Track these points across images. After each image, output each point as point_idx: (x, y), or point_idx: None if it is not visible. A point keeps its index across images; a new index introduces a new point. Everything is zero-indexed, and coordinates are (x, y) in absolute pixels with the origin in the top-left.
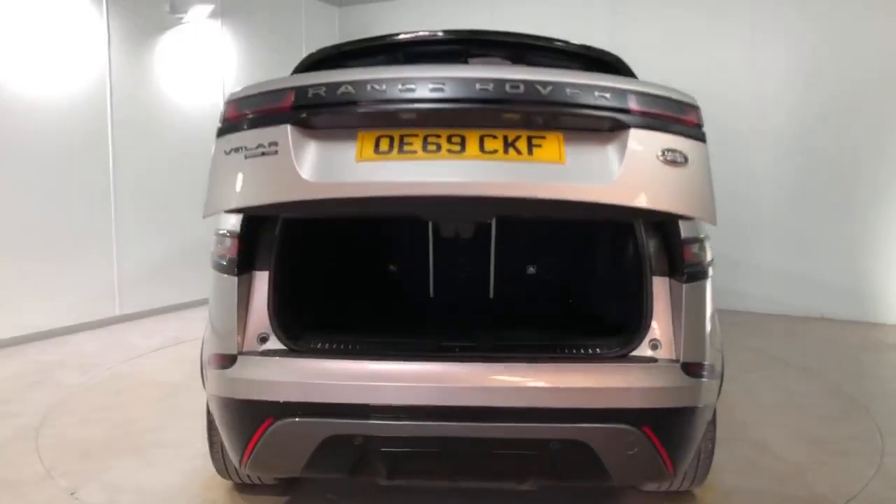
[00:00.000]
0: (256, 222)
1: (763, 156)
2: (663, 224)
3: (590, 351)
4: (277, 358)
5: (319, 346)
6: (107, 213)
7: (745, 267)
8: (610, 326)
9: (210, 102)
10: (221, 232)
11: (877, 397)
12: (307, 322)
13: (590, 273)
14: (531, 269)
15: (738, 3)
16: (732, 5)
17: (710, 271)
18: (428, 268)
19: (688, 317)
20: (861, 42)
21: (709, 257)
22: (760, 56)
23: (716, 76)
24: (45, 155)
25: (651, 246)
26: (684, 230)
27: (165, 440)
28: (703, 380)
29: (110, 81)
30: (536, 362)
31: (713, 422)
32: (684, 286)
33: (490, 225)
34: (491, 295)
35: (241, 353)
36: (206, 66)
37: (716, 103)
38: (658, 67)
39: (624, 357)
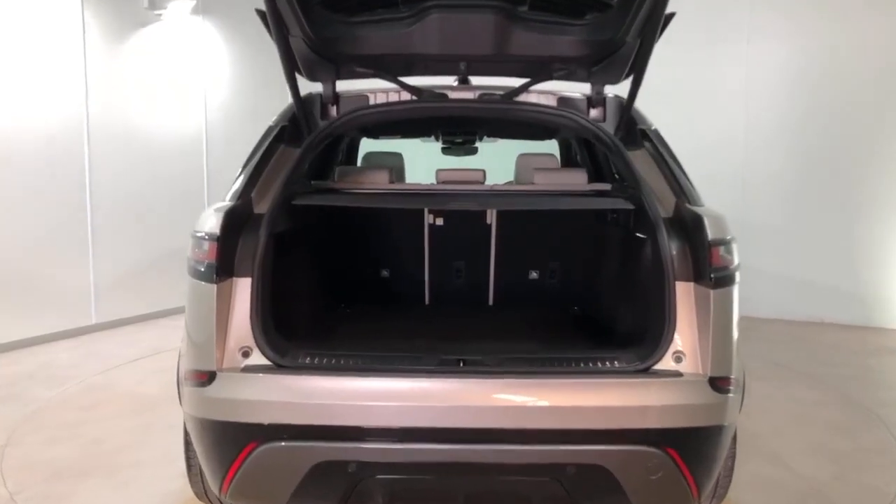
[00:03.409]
0: (238, 223)
1: (761, 158)
2: (686, 223)
3: (607, 365)
4: (261, 374)
5: (308, 361)
6: (83, 218)
7: (745, 270)
8: (624, 337)
9: (191, 103)
10: (199, 234)
11: (888, 405)
12: (294, 334)
13: (599, 278)
14: (533, 275)
15: (736, 3)
16: (730, 4)
17: (738, 276)
18: (423, 273)
19: (716, 326)
20: (860, 42)
21: (736, 261)
22: (757, 57)
23: (712, 77)
24: (17, 158)
25: (673, 247)
26: (711, 230)
27: (141, 459)
28: (731, 395)
29: (86, 81)
30: (549, 378)
31: (734, 437)
32: (712, 293)
33: (489, 226)
34: (490, 301)
35: (220, 369)
36: (187, 64)
37: (712, 105)
38: (652, 66)
39: (645, 371)
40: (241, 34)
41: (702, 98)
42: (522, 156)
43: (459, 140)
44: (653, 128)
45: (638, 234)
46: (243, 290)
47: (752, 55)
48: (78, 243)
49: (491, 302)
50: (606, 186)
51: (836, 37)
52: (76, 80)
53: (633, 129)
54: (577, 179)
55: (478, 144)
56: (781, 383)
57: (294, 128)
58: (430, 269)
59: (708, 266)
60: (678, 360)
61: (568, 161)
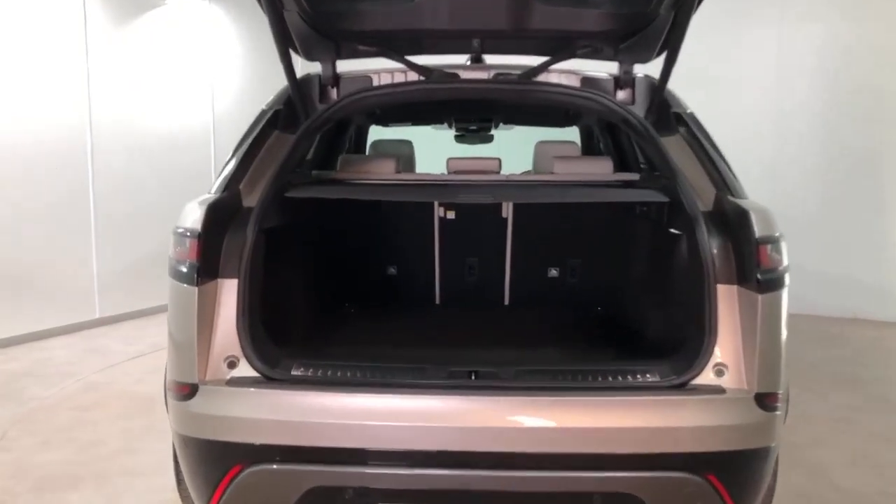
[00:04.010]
0: (224, 218)
1: (792, 150)
2: (729, 218)
3: (638, 379)
4: (248, 389)
5: (301, 373)
6: (85, 210)
7: None
8: (656, 344)
9: (198, 92)
10: (179, 230)
11: None
12: (289, 339)
13: (626, 278)
14: (553, 272)
15: None
16: None
17: (787, 279)
18: (433, 270)
19: (763, 336)
20: (893, 31)
21: (785, 261)
22: (789, 41)
23: (740, 64)
24: (20, 149)
25: (714, 246)
26: (759, 226)
27: (135, 466)
28: (778, 413)
29: (88, 71)
30: (572, 394)
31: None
32: (760, 297)
33: (505, 220)
34: (506, 301)
35: (203, 381)
36: (193, 52)
37: (740, 94)
38: (683, 53)
39: (683, 387)
40: (252, 19)
41: (728, 86)
42: (541, 143)
43: (474, 127)
44: (688, 111)
45: (672, 230)
46: (229, 292)
47: (784, 39)
48: (81, 236)
49: (506, 301)
50: (634, 176)
51: (875, 21)
52: (78, 71)
53: (666, 112)
54: (601, 168)
55: (493, 132)
56: (818, 386)
57: (289, 112)
58: (441, 266)
59: (755, 267)
60: (720, 373)
61: (589, 150)
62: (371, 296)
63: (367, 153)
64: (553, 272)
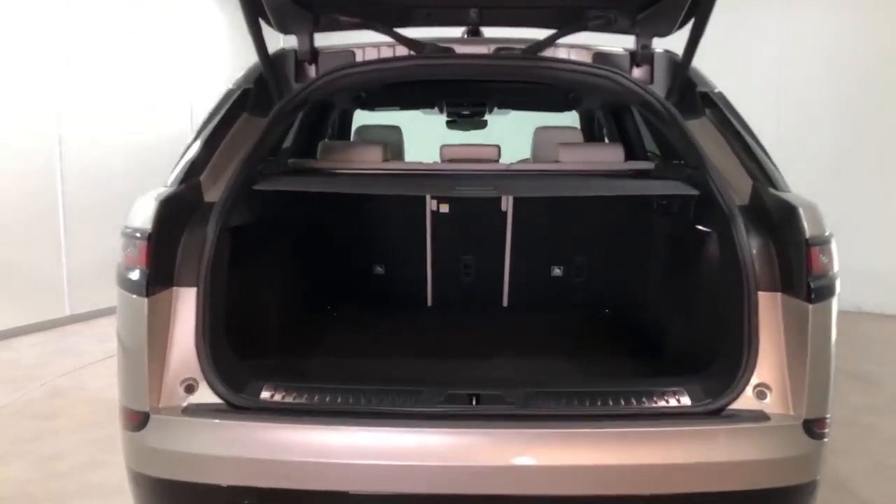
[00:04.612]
0: (180, 215)
1: (794, 133)
2: (770, 214)
3: (668, 402)
4: (209, 419)
5: (272, 397)
6: (54, 199)
7: None
8: (679, 356)
9: (178, 80)
10: (128, 230)
11: None
12: (259, 355)
13: (641, 280)
14: (556, 271)
15: None
16: None
17: (838, 286)
18: (425, 269)
19: (814, 351)
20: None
21: (836, 265)
22: (793, 22)
23: (740, 44)
24: None
25: (754, 246)
26: (809, 226)
27: (96, 485)
28: (826, 441)
29: (61, 60)
30: (593, 425)
31: None
32: (811, 308)
33: (505, 214)
34: (504, 303)
35: (154, 409)
36: (174, 37)
37: (741, 75)
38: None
39: (720, 412)
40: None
41: (729, 67)
42: (542, 129)
43: (466, 112)
44: (716, 90)
45: (700, 227)
46: (186, 303)
47: (788, 20)
48: (48, 228)
49: (505, 303)
50: (648, 165)
51: (876, 4)
52: (50, 60)
53: (690, 92)
54: (611, 156)
55: (487, 118)
56: None
57: (260, 92)
58: (434, 265)
59: (804, 273)
60: (761, 395)
61: (590, 137)
62: (356, 298)
63: (351, 140)
64: (557, 271)
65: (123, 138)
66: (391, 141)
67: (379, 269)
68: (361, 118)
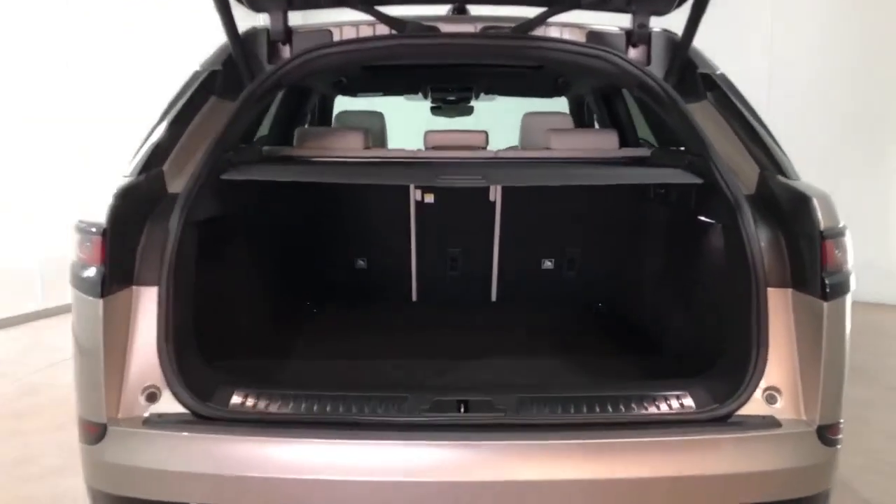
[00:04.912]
0: (141, 207)
1: (785, 121)
2: (780, 204)
3: (671, 406)
4: (173, 431)
5: (243, 405)
6: (25, 188)
7: None
8: (679, 355)
9: (159, 59)
10: (82, 225)
11: None
12: (231, 357)
13: (636, 272)
14: (547, 264)
15: None
16: None
17: (853, 282)
18: (409, 263)
19: (829, 351)
20: None
21: (851, 260)
22: (783, 13)
23: (736, 31)
24: None
25: (762, 239)
26: (823, 217)
27: (65, 491)
28: (839, 448)
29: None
30: (592, 434)
31: None
32: (825, 305)
33: (493, 204)
34: (493, 297)
35: (113, 420)
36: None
37: (731, 58)
38: (677, 21)
39: (727, 418)
40: None
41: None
42: (530, 115)
43: (452, 97)
44: (718, 72)
45: (702, 218)
46: (147, 304)
47: (778, 12)
48: (20, 217)
49: (494, 298)
50: (643, 152)
51: None
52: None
53: (691, 73)
54: (605, 143)
55: (473, 104)
56: None
57: (230, 74)
58: (419, 259)
59: (818, 268)
60: (771, 399)
61: (580, 124)
62: (338, 294)
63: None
64: (547, 264)
65: (99, 127)
66: (373, 127)
67: (361, 263)
68: (343, 105)
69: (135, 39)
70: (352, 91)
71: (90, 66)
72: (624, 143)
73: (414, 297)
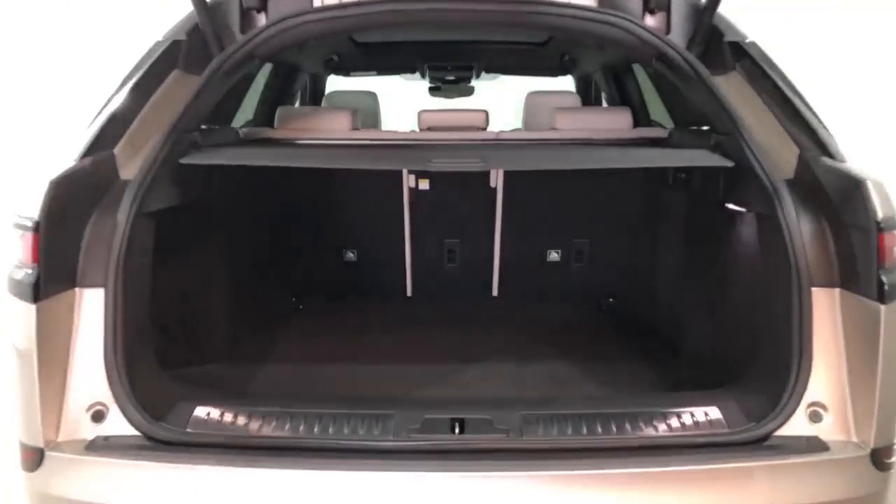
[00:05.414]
0: (85, 196)
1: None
2: (825, 190)
3: (700, 425)
4: (121, 459)
5: (206, 425)
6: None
7: None
8: (702, 361)
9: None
10: (18, 220)
11: None
12: (192, 374)
13: (652, 266)
14: (553, 255)
15: None
16: None
17: None
18: (403, 255)
19: (887, 362)
20: None
21: None
22: None
23: None
24: None
25: (805, 230)
26: (881, 205)
27: None
28: (894, 472)
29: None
30: (609, 461)
31: None
32: (883, 308)
33: (494, 190)
34: (494, 292)
35: (52, 445)
36: None
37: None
38: None
39: (763, 440)
40: None
41: None
42: (534, 94)
43: (451, 77)
44: (748, 39)
45: (731, 206)
46: (93, 308)
47: None
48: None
49: (495, 293)
50: (661, 132)
51: None
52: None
53: (717, 42)
54: (618, 122)
55: (474, 83)
56: None
57: (196, 45)
58: (413, 250)
59: (874, 264)
60: (815, 417)
61: (588, 104)
62: (325, 289)
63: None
64: (553, 256)
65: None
66: (365, 108)
67: (350, 255)
68: (340, 87)
69: (135, 39)
70: (344, 70)
71: (90, 66)
72: (637, 123)
73: (408, 293)
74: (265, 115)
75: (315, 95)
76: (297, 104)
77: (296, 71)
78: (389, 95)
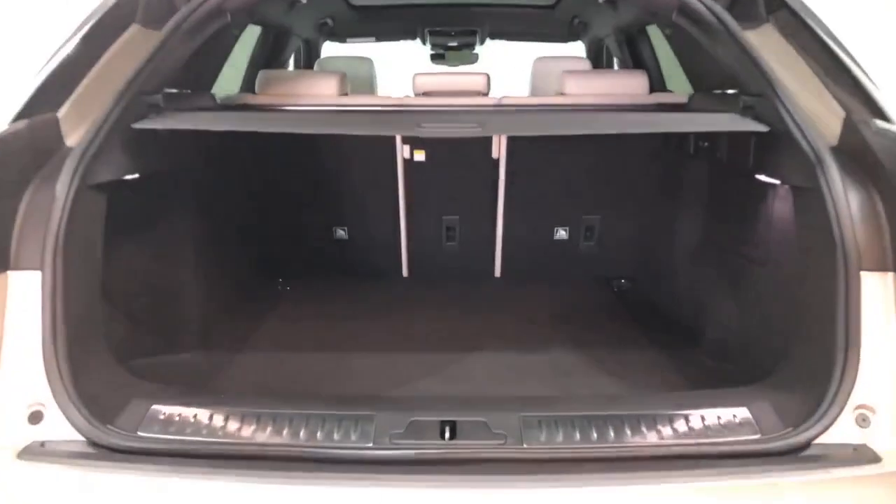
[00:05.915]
0: (19, 165)
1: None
2: (877, 159)
3: (725, 428)
4: (61, 467)
5: (160, 426)
6: None
7: None
8: (727, 351)
9: None
10: None
11: None
12: (150, 367)
13: (670, 244)
14: (561, 233)
15: None
16: None
17: None
18: (398, 232)
19: None
20: None
21: None
22: None
23: None
24: None
25: (854, 205)
26: None
27: None
28: None
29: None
30: (621, 475)
31: None
32: None
33: (497, 162)
34: (497, 272)
35: None
36: None
37: None
38: None
39: (804, 449)
40: None
41: None
42: (542, 60)
43: (454, 43)
44: None
45: (762, 178)
46: (28, 293)
47: None
48: None
49: (498, 273)
50: (680, 98)
51: None
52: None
53: None
54: (632, 86)
55: (478, 50)
56: None
57: None
58: (409, 228)
59: None
60: (864, 421)
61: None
62: (314, 269)
63: None
64: (561, 233)
65: None
66: (357, 74)
67: (341, 233)
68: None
69: None
70: (339, 36)
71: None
72: (652, 90)
73: (404, 273)
74: (252, 83)
75: (309, 64)
76: None
77: (286, 36)
78: (389, 64)
